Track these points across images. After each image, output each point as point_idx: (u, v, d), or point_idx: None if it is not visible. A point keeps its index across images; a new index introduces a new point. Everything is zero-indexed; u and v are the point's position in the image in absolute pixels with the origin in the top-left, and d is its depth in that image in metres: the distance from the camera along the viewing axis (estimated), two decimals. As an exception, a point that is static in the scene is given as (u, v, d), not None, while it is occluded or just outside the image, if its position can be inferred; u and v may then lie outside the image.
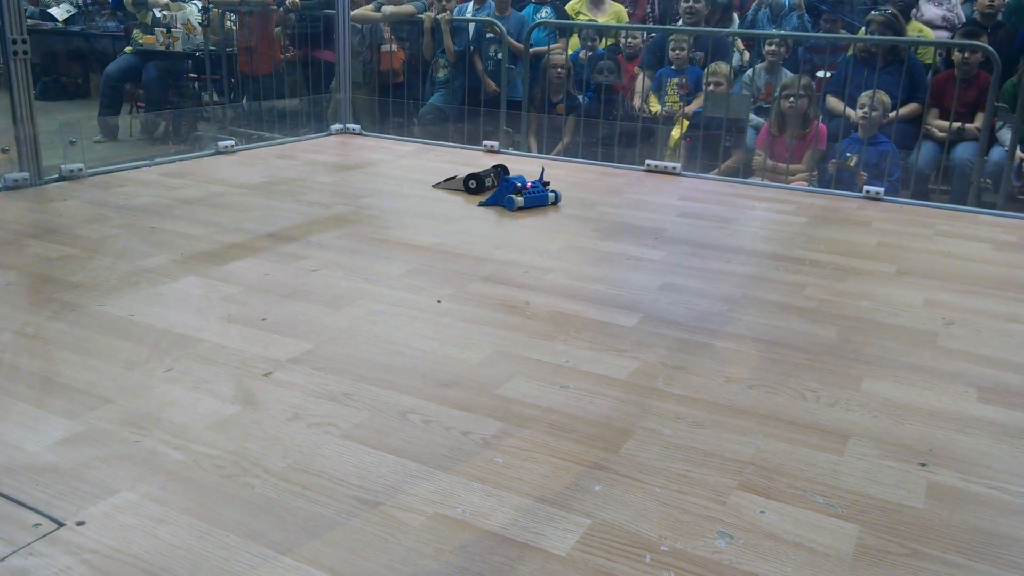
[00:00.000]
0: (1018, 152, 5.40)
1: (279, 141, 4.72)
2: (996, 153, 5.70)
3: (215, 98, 7.43)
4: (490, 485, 1.57)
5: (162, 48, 7.31)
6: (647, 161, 4.27)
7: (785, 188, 4.22)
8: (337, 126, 4.90)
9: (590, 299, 2.51)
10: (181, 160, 4.07)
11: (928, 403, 1.96)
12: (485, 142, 4.76)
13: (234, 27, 7.38)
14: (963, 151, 5.77)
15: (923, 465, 1.70)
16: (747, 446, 1.74)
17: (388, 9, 6.81)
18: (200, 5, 7.73)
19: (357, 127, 4.93)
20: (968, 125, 5.80)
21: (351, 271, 2.66)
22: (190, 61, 7.59)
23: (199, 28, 7.50)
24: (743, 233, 3.30)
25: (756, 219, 3.53)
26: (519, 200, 3.45)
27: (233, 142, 4.24)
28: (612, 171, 4.11)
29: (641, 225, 3.31)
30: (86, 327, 2.17)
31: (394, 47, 6.91)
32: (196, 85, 7.71)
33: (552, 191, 3.56)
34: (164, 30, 7.26)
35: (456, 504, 1.51)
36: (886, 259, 3.01)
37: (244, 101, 7.26)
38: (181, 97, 7.56)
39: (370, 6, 6.92)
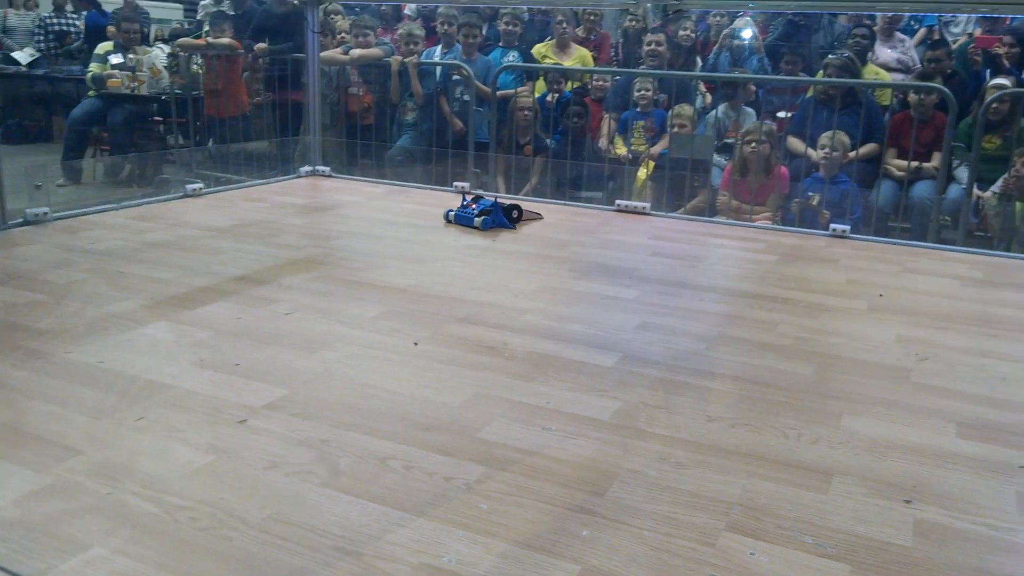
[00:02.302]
0: (975, 190, 5.54)
1: (248, 184, 4.68)
2: (954, 191, 5.84)
3: (180, 141, 7.38)
4: (475, 532, 1.53)
5: (127, 91, 7.27)
6: (617, 201, 4.30)
7: (753, 227, 4.26)
8: (306, 168, 4.88)
9: (568, 339, 2.49)
10: (149, 203, 4.01)
11: (908, 439, 1.96)
12: (455, 183, 4.76)
13: (200, 71, 7.36)
14: (921, 189, 5.91)
15: (908, 502, 1.70)
16: (733, 486, 1.73)
17: (355, 52, 6.86)
18: (167, 50, 7.72)
19: (327, 169, 4.91)
20: (926, 164, 5.94)
21: (325, 314, 2.62)
22: (155, 104, 7.55)
23: (165, 72, 7.48)
24: (715, 271, 3.32)
25: (727, 257, 3.56)
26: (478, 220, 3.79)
27: (201, 185, 4.19)
28: (582, 211, 4.13)
29: (614, 265, 3.32)
30: (53, 375, 2.11)
31: (361, 90, 6.94)
32: (162, 128, 7.66)
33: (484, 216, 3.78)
34: (130, 73, 7.22)
35: (442, 553, 1.47)
36: (856, 296, 3.04)
37: (210, 144, 7.23)
38: (146, 140, 7.50)
39: (338, 49, 6.96)
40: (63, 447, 1.76)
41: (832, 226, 3.95)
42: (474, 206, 3.86)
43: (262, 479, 1.68)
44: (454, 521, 1.57)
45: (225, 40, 7.15)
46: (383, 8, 7.77)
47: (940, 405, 2.16)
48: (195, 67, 7.34)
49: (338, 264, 3.19)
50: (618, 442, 1.89)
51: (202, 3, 8.69)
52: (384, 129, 6.80)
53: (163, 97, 7.43)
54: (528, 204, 4.10)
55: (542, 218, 3.99)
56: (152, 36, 9.00)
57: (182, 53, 7.34)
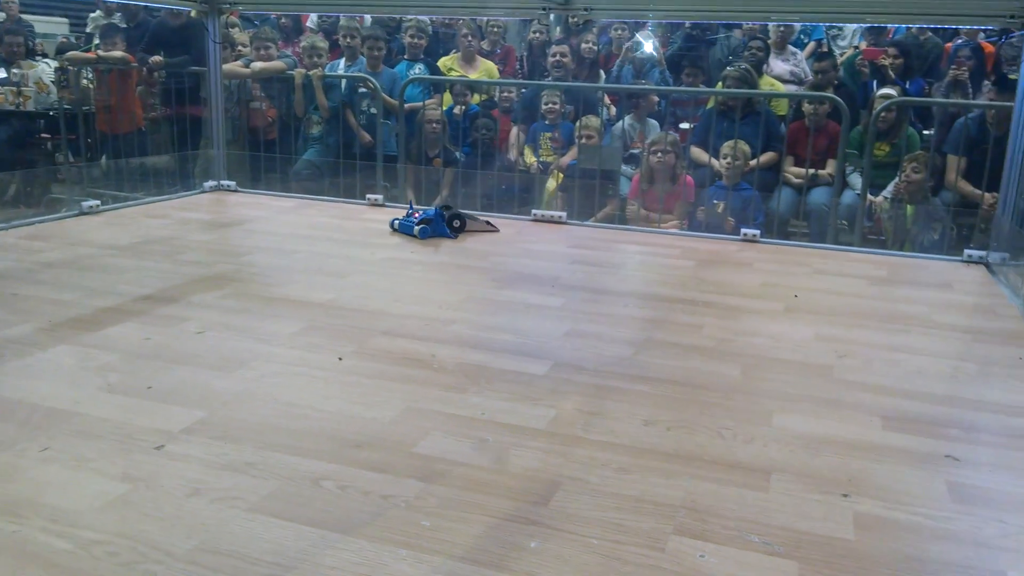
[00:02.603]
0: (869, 195, 5.77)
1: (148, 200, 4.47)
2: (848, 196, 6.07)
3: (70, 158, 7.01)
4: (420, 551, 1.47)
5: (12, 108, 6.87)
6: (533, 211, 4.29)
7: (668, 233, 4.32)
8: (211, 183, 4.69)
9: (497, 349, 2.45)
10: (42, 222, 3.77)
11: (838, 434, 1.99)
12: (368, 195, 4.67)
13: (91, 85, 7.02)
14: (818, 195, 6.12)
15: (846, 496, 1.71)
16: (676, 489, 1.71)
17: (257, 65, 6.67)
18: (54, 64, 7.33)
19: (232, 184, 4.74)
20: (821, 171, 6.16)
21: (240, 332, 2.50)
22: (42, 121, 7.16)
23: (52, 87, 7.10)
24: (635, 278, 3.34)
25: (645, 264, 3.59)
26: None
27: (98, 202, 3.98)
28: (500, 222, 4.09)
29: (536, 273, 3.29)
30: (-58, 407, 1.93)
31: (263, 104, 6.76)
32: (50, 145, 7.27)
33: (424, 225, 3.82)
34: (14, 89, 6.83)
35: (385, 574, 1.40)
36: (772, 298, 3.10)
37: (103, 161, 6.89)
38: (33, 158, 7.09)
39: (238, 62, 6.75)
40: (-41, 484, 1.60)
41: (743, 231, 4.04)
42: (417, 215, 3.87)
43: (185, 507, 1.57)
44: (395, 540, 1.49)
45: (117, 53, 6.84)
46: (283, 21, 7.59)
47: (863, 400, 2.20)
48: (85, 81, 6.99)
49: (250, 280, 3.06)
50: (557, 450, 1.86)
51: (91, 16, 8.30)
52: (288, 143, 6.63)
53: (51, 113, 7.05)
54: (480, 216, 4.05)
55: (497, 230, 3.96)
56: (36, 50, 8.55)
57: (71, 67, 6.99)
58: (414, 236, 3.79)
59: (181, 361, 2.26)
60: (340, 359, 2.32)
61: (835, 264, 3.68)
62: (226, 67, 6.38)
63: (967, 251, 3.77)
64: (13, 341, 2.33)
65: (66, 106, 6.99)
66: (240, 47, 7.01)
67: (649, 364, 2.39)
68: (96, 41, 7.26)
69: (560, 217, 4.26)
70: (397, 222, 3.93)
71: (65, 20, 11.84)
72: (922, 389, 2.29)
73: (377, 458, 1.79)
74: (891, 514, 1.66)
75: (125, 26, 7.43)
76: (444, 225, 3.78)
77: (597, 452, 1.85)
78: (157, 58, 6.81)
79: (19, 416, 1.90)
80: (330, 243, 3.68)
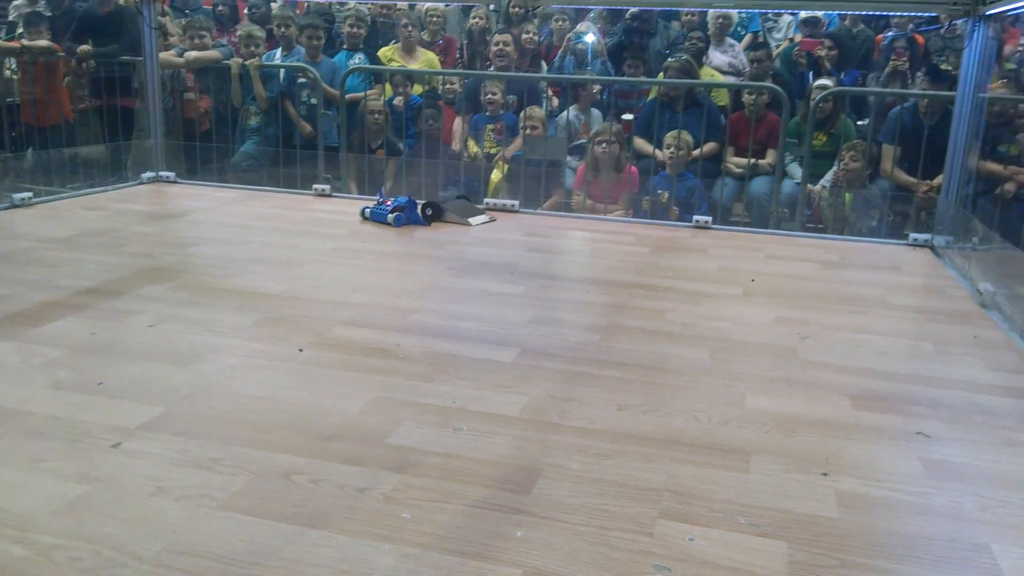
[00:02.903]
0: (808, 184, 5.86)
1: (84, 192, 4.28)
2: (787, 185, 6.17)
3: (-6, 151, 6.68)
4: (403, 544, 1.41)
5: (-71, 99, 6.51)
6: (486, 200, 4.24)
7: (621, 220, 4.32)
8: (149, 174, 4.52)
9: (463, 337, 2.40)
10: (-31, 215, 3.58)
11: (810, 414, 2.00)
12: (315, 186, 4.56)
13: (15, 76, 6.70)
14: (759, 185, 6.20)
15: (825, 475, 1.71)
16: (657, 473, 1.69)
17: (191, 55, 6.45)
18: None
19: (171, 175, 4.58)
20: (761, 161, 6.25)
21: (194, 324, 2.40)
22: (-39, 113, 6.80)
23: (-29, 78, 6.77)
24: (594, 264, 3.32)
25: (601, 251, 3.57)
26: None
27: (30, 194, 3.79)
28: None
29: (494, 261, 3.24)
30: None
31: (196, 94, 6.55)
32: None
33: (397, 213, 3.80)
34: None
35: (370, 570, 1.34)
36: (731, 282, 3.11)
37: (29, 153, 6.59)
38: (-48, 151, 6.74)
39: (172, 51, 6.53)
40: (-101, 490, 1.49)
41: (695, 218, 4.06)
42: (389, 203, 3.85)
43: (149, 507, 1.48)
44: (377, 535, 1.43)
45: (43, 43, 6.53)
46: (220, 9, 7.37)
47: (831, 380, 2.21)
48: (8, 72, 6.67)
49: (199, 272, 2.94)
50: (534, 437, 1.81)
51: (14, 3, 7.91)
52: (223, 135, 6.44)
53: (-29, 105, 6.70)
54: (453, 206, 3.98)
55: (493, 219, 3.95)
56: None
57: (-8, 57, 6.66)
58: (387, 224, 3.77)
59: (133, 356, 2.15)
60: (301, 350, 2.24)
61: (787, 249, 3.72)
62: (160, 57, 6.16)
63: (912, 235, 3.85)
64: (-52, 338, 2.19)
65: (-12, 97, 6.66)
66: (171, 36, 6.78)
67: (617, 349, 2.36)
68: (20, 30, 6.93)
69: (512, 206, 4.21)
70: (368, 210, 3.91)
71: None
72: (885, 368, 2.32)
73: (349, 450, 1.72)
74: (871, 491, 1.66)
75: (50, 14, 7.12)
76: (417, 213, 3.73)
77: (575, 438, 1.82)
78: (85, 47, 6.53)
79: (-40, 417, 1.78)
80: (279, 233, 3.57)
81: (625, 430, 1.87)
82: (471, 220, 3.87)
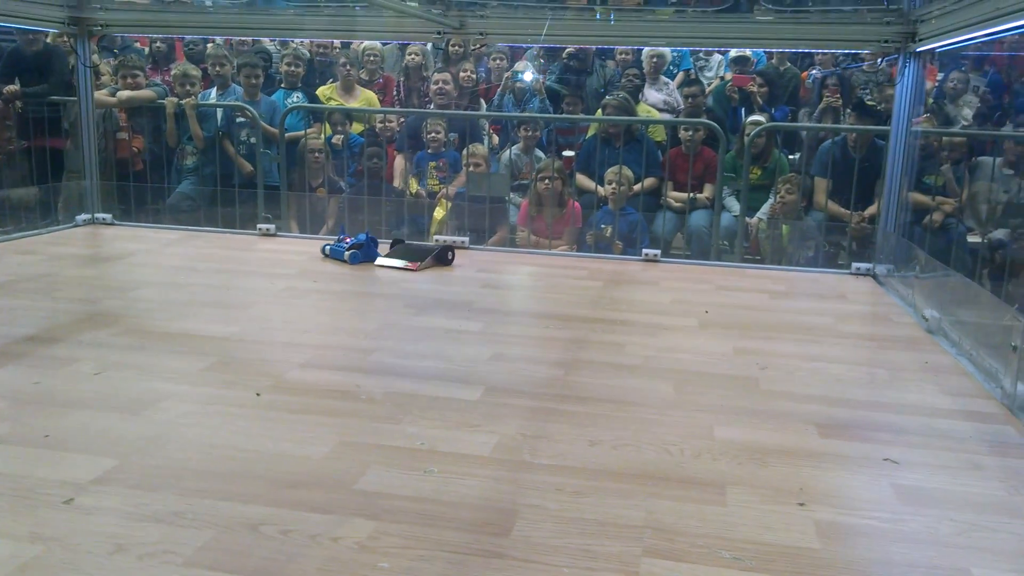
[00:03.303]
0: (746, 217, 5.99)
1: (14, 236, 4.11)
2: (725, 218, 6.29)
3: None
4: (384, 594, 1.35)
5: None
6: (435, 237, 4.20)
7: (571, 255, 4.33)
8: (83, 216, 4.37)
9: (424, 376, 2.34)
10: None
11: (779, 444, 2.00)
12: (260, 225, 4.47)
13: (-65, 117, 6.44)
14: (697, 218, 6.31)
15: (802, 505, 1.71)
16: (635, 509, 1.66)
17: (124, 94, 6.31)
18: None
19: (107, 216, 4.43)
20: (699, 195, 6.37)
21: (142, 370, 2.30)
22: None
23: None
24: (549, 299, 3.30)
25: (556, 286, 3.56)
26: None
27: (-44, 239, 3.62)
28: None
29: (449, 299, 3.20)
30: None
31: (128, 134, 6.39)
32: None
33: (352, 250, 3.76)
34: None
35: (351, 623, 1.28)
36: (685, 314, 3.13)
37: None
38: None
39: (104, 91, 6.37)
40: None
41: (644, 251, 4.09)
42: (348, 240, 3.82)
43: (109, 567, 1.39)
44: (355, 586, 1.37)
45: (-33, 83, 6.32)
46: (157, 45, 7.24)
47: (794, 409, 2.23)
48: (-72, 113, 6.41)
49: (143, 316, 2.83)
50: (508, 477, 1.77)
51: (-66, 42, 7.63)
52: (158, 175, 6.28)
53: None
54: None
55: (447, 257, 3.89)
56: None
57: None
58: (344, 261, 3.73)
59: (79, 405, 2.04)
60: (258, 395, 2.16)
61: (735, 280, 3.77)
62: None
63: (855, 264, 3.95)
64: None
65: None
66: (102, 76, 6.62)
67: (581, 384, 2.34)
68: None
69: (463, 242, 4.19)
70: (328, 248, 3.88)
71: None
72: (845, 396, 2.34)
73: (317, 498, 1.65)
74: (848, 520, 1.66)
75: (-26, 54, 6.89)
76: (375, 250, 3.69)
77: (549, 476, 1.78)
78: (12, 87, 6.34)
79: None
80: (224, 275, 3.47)
81: (599, 466, 1.84)
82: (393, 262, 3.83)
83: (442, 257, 3.78)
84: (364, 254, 3.73)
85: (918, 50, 3.66)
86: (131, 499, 1.61)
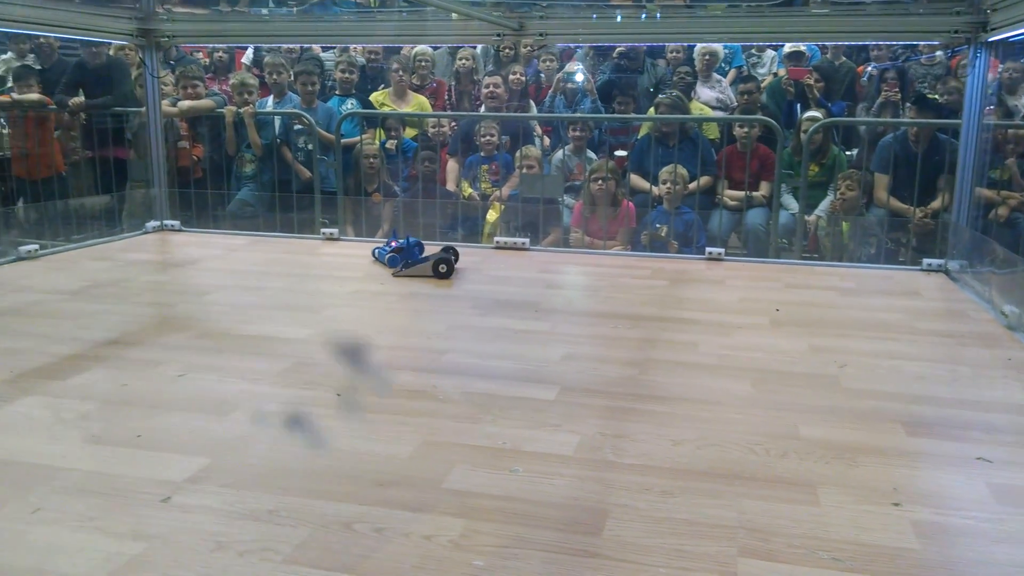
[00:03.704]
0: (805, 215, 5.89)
1: (89, 243, 4.21)
2: (782, 216, 6.20)
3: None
4: (483, 592, 1.35)
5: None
6: (496, 239, 4.21)
7: (634, 255, 4.31)
8: (153, 223, 4.47)
9: (499, 376, 2.35)
10: (-24, 269, 3.51)
11: (867, 443, 1.96)
12: (323, 230, 4.52)
13: (4, 130, 6.65)
14: (754, 216, 6.23)
15: (897, 505, 1.67)
16: (726, 509, 1.64)
17: (185, 104, 6.44)
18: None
19: (176, 223, 4.52)
20: (755, 193, 6.29)
21: (224, 372, 2.34)
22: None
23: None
24: (615, 299, 3.28)
25: (620, 285, 3.54)
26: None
27: (37, 247, 3.72)
28: (462, 250, 3.98)
29: (515, 299, 3.21)
30: (-92, 470, 1.72)
31: (189, 143, 6.52)
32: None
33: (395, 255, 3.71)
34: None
35: (454, 621, 1.28)
36: (755, 312, 3.09)
37: (20, 206, 6.52)
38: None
39: (166, 101, 6.50)
40: (-54, 556, 1.41)
41: (708, 249, 4.05)
42: (395, 244, 3.77)
43: (213, 564, 1.42)
44: (453, 584, 1.38)
45: (33, 96, 6.50)
46: (219, 55, 7.37)
47: (878, 407, 2.18)
48: (-3, 127, 6.63)
49: (218, 319, 2.88)
50: (594, 477, 1.76)
51: (2, 58, 7.88)
52: (217, 182, 6.40)
53: (-37, 160, 6.64)
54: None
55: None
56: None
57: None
58: (383, 263, 3.74)
59: (166, 406, 2.08)
60: (339, 395, 2.18)
61: (802, 278, 3.71)
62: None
63: (926, 260, 3.86)
64: (-26, 395, 2.12)
65: (-22, 153, 6.60)
66: (164, 86, 6.76)
67: (657, 383, 2.32)
68: (9, 84, 6.90)
69: (523, 243, 4.19)
70: (377, 251, 3.87)
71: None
72: (929, 394, 2.29)
73: (407, 496, 1.66)
74: (946, 520, 1.62)
75: (40, 68, 7.09)
76: (418, 254, 3.67)
77: (635, 476, 1.77)
78: (77, 99, 6.51)
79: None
80: (292, 279, 3.52)
81: (684, 466, 1.82)
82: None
83: (436, 269, 3.55)
84: (403, 258, 3.64)
85: (990, 40, 3.57)
86: (226, 497, 1.64)
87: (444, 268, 3.55)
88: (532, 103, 7.58)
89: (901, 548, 1.51)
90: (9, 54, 7.56)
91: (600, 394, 2.23)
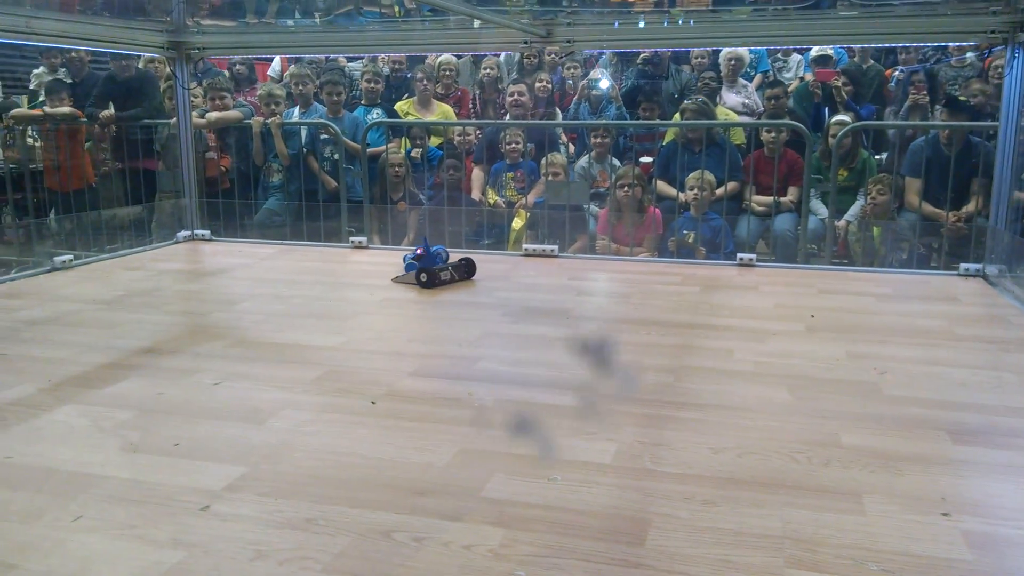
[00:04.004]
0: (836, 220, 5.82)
1: (121, 253, 4.25)
2: (811, 221, 6.13)
3: (21, 219, 6.69)
4: (526, 603, 1.33)
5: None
6: (525, 246, 4.20)
7: (663, 261, 4.28)
8: (184, 233, 4.50)
9: (533, 384, 2.33)
10: (13, 280, 3.54)
11: (912, 451, 1.92)
12: (352, 239, 4.54)
13: (36, 143, 6.74)
14: (782, 222, 6.16)
15: (946, 515, 1.63)
16: (770, 519, 1.61)
17: (213, 115, 6.49)
18: (-3, 123, 7.02)
19: (206, 233, 4.55)
20: (783, 198, 6.23)
21: (258, 380, 2.34)
22: (-18, 181, 6.83)
23: (-5, 146, 6.80)
24: (647, 306, 3.26)
25: (651, 292, 3.51)
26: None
27: (71, 257, 3.76)
28: (491, 257, 4.00)
29: (546, 307, 3.19)
30: (-50, 479, 1.73)
31: (216, 153, 6.57)
32: None
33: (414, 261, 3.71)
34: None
35: (498, 632, 1.26)
36: (790, 319, 3.05)
37: (51, 219, 6.60)
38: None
39: (194, 113, 6.56)
40: (-10, 564, 1.42)
41: (739, 256, 4.01)
42: (420, 251, 3.75)
43: (253, 573, 1.41)
44: (496, 594, 1.36)
45: (65, 109, 6.59)
46: (239, 68, 7.43)
47: (922, 415, 2.14)
48: (30, 140, 6.71)
49: (251, 328, 2.89)
50: (633, 485, 1.74)
51: (35, 72, 7.99)
52: (245, 193, 6.45)
53: (-5, 173, 6.74)
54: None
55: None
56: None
57: (18, 126, 6.70)
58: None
59: (203, 415, 2.08)
60: (373, 403, 2.17)
61: (836, 283, 3.66)
62: (180, 118, 6.19)
63: (963, 265, 3.80)
64: (14, 404, 2.13)
65: (11, 166, 6.69)
66: (192, 98, 6.82)
67: (693, 390, 2.29)
68: (41, 98, 6.99)
69: (551, 250, 4.18)
70: (406, 257, 3.85)
71: (-8, 82, 11.41)
72: (974, 401, 2.24)
73: (445, 505, 1.65)
74: (998, 530, 1.58)
75: (71, 81, 7.19)
76: (438, 260, 3.64)
77: (675, 485, 1.74)
78: (108, 112, 6.59)
79: (37, 483, 1.71)
80: (322, 286, 3.53)
81: (726, 474, 1.79)
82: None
83: (417, 278, 3.53)
84: (423, 264, 3.61)
85: (1027, 40, 3.51)
86: (264, 506, 1.63)
87: (424, 277, 3.51)
88: (558, 110, 7.57)
89: (953, 559, 1.48)
90: (41, 68, 7.67)
91: (636, 401, 2.21)
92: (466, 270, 3.64)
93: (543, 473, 1.79)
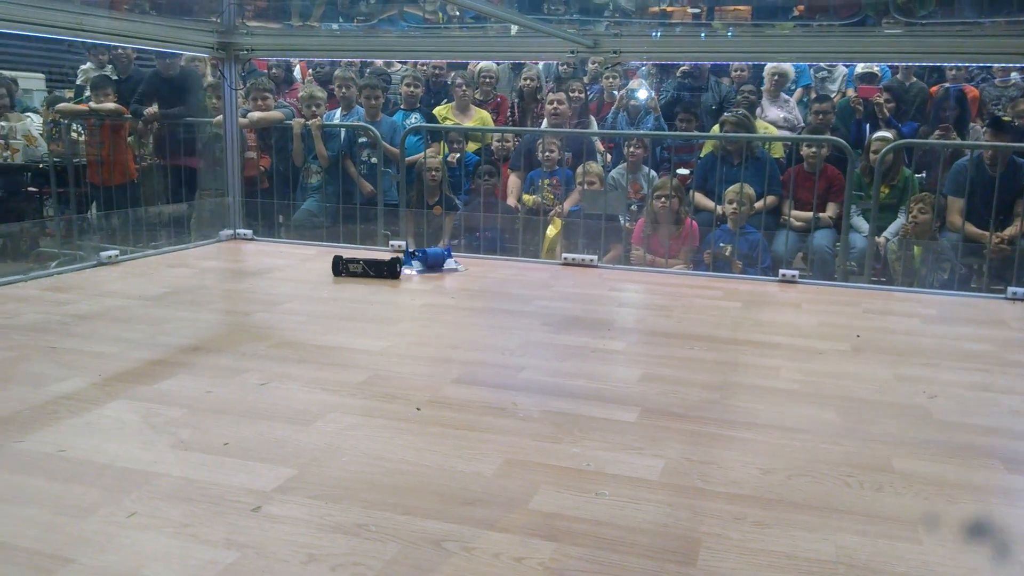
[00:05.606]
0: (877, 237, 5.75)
1: (166, 250, 4.30)
2: (853, 238, 6.06)
3: (63, 212, 6.79)
4: (580, 619, 1.32)
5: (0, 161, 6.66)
6: (564, 255, 4.19)
7: (703, 275, 4.25)
8: (226, 232, 4.54)
9: (577, 395, 2.32)
10: (60, 273, 3.59)
11: (965, 479, 1.88)
12: (391, 242, 4.56)
13: (80, 137, 6.84)
14: (820, 238, 6.10)
15: (1004, 546, 1.60)
16: (824, 543, 1.59)
17: (254, 115, 6.54)
18: (43, 116, 7.14)
19: (249, 232, 4.59)
20: (822, 214, 6.16)
21: (303, 382, 2.35)
22: (29, 174, 6.95)
23: (41, 140, 6.92)
24: (689, 319, 3.23)
25: (692, 306, 3.48)
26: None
27: (117, 252, 3.81)
28: (530, 266, 4.00)
29: (587, 317, 3.18)
30: (8, 469, 1.76)
31: (256, 154, 6.63)
32: (42, 199, 7.04)
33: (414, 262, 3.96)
34: (2, 142, 6.63)
35: (552, 648, 1.25)
36: (836, 338, 3.01)
37: (92, 212, 6.69)
38: (20, 211, 6.86)
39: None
40: (48, 556, 1.43)
41: (781, 272, 3.97)
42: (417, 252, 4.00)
43: (305, 577, 1.41)
44: (548, 608, 1.35)
45: (110, 105, 6.68)
46: (274, 71, 7.50)
47: (973, 441, 2.10)
48: (74, 134, 6.81)
49: (295, 329, 2.90)
50: (682, 504, 1.72)
51: (82, 68, 8.12)
52: (285, 193, 6.50)
53: (41, 166, 6.85)
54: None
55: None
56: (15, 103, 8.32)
57: (63, 120, 6.81)
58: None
59: (251, 415, 2.10)
60: (418, 409, 2.17)
61: (883, 303, 3.61)
62: (220, 118, 6.26)
63: (1010, 288, 3.74)
64: (66, 397, 2.16)
65: (56, 159, 6.79)
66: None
67: (741, 408, 2.27)
68: (87, 93, 7.10)
69: (591, 260, 4.16)
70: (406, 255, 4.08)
71: (41, 75, 11.63)
72: (1026, 429, 2.20)
73: (494, 516, 1.64)
74: (1058, 563, 1.54)
75: (116, 78, 7.29)
76: (442, 261, 3.93)
77: (725, 505, 1.72)
78: (152, 109, 6.67)
79: (90, 478, 1.73)
80: (364, 290, 3.54)
81: (776, 496, 1.77)
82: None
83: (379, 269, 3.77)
84: (424, 262, 3.91)
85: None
86: (315, 509, 1.63)
87: (386, 269, 3.78)
88: (593, 119, 7.56)
89: (1013, 592, 1.45)
90: (88, 64, 7.80)
91: (682, 418, 2.19)
92: (387, 268, 3.80)
93: (590, 487, 1.77)
